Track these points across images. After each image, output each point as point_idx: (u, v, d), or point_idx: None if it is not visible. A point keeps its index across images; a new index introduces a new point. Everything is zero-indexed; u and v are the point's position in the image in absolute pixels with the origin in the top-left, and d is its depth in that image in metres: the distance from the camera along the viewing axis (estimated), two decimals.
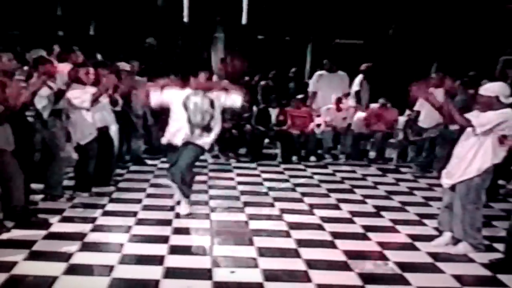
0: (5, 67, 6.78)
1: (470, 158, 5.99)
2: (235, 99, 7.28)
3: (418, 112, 10.55)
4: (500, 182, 8.62)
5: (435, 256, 5.99)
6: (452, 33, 14.27)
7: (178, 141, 7.15)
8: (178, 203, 7.35)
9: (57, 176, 7.50)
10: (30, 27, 14.50)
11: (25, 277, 5.09)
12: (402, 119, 11.51)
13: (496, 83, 6.28)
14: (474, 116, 6.02)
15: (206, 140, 7.22)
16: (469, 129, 6.04)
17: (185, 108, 7.09)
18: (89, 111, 7.60)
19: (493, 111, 5.91)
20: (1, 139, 6.10)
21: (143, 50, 15.47)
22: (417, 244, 6.37)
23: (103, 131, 7.93)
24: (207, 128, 7.16)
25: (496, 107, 5.93)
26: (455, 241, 6.26)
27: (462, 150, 6.09)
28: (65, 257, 5.56)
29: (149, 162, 10.22)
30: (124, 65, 9.57)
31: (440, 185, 6.68)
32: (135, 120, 9.88)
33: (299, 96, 11.88)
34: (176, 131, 7.18)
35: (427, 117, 10.19)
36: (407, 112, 11.34)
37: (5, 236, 6.06)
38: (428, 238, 6.48)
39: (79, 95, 7.50)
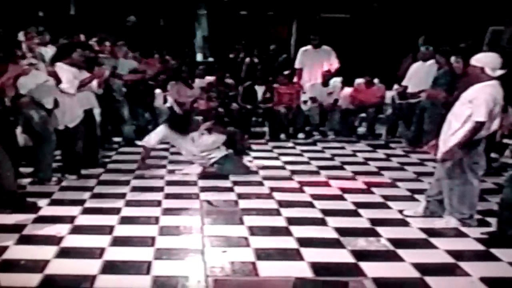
0: None
1: (450, 133, 5.98)
2: None
3: (406, 87, 10.54)
4: (493, 155, 8.58)
5: (428, 231, 5.98)
6: (439, 4, 14.21)
7: None
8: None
9: (47, 160, 7.42)
10: (10, 8, 14.27)
11: (17, 261, 5.05)
12: (390, 94, 11.46)
13: (486, 53, 6.10)
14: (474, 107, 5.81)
15: None
16: (458, 103, 5.98)
17: None
18: (75, 95, 7.54)
19: (483, 93, 5.77)
20: None
21: (126, 29, 15.30)
22: (409, 220, 6.35)
23: (87, 112, 7.84)
24: None
25: (484, 79, 5.81)
26: (429, 212, 6.34)
27: (446, 124, 6.07)
28: (55, 240, 5.52)
29: (138, 143, 10.11)
30: (93, 44, 9.46)
31: (431, 160, 6.66)
32: (117, 97, 9.77)
33: (285, 72, 11.78)
34: None
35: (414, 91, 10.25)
36: (395, 86, 11.29)
37: None
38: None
39: (68, 81, 7.43)
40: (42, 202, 6.62)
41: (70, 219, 6.13)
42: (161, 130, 8.17)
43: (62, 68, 7.48)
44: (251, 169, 8.40)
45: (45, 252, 5.22)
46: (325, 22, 16.59)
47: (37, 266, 4.93)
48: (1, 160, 6.16)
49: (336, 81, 11.81)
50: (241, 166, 8.35)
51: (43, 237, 5.62)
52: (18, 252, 5.26)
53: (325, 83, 11.39)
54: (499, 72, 5.86)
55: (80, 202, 6.72)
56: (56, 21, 14.59)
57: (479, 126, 5.81)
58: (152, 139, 8.16)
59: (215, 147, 8.16)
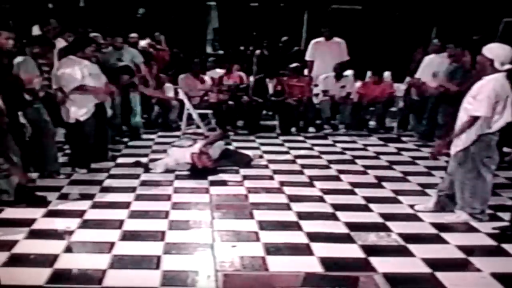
0: (3, 45, 6.65)
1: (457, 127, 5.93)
2: None
3: (418, 80, 10.46)
4: (505, 149, 8.47)
5: (438, 226, 5.94)
6: None
7: None
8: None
9: (51, 151, 7.39)
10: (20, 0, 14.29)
11: (27, 255, 5.05)
12: (402, 87, 11.38)
13: (500, 45, 5.91)
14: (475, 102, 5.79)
15: None
16: (466, 96, 5.93)
17: None
18: None
19: (487, 88, 5.71)
20: None
21: (136, 21, 15.32)
22: (420, 214, 6.31)
23: (98, 106, 7.83)
24: None
25: (490, 72, 5.75)
26: (440, 207, 6.28)
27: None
28: (65, 234, 5.53)
29: (146, 136, 10.13)
30: (96, 36, 9.44)
31: (443, 154, 6.59)
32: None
33: (293, 65, 11.66)
34: None
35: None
36: (407, 79, 11.20)
37: (4, 214, 6.02)
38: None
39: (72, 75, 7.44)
40: (52, 196, 6.61)
41: (80, 213, 6.13)
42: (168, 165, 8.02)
43: (73, 61, 7.47)
44: (252, 157, 8.46)
45: (55, 246, 5.23)
46: (336, 13, 16.48)
47: (46, 260, 4.93)
48: (11, 154, 6.16)
49: (349, 74, 11.73)
50: (242, 154, 8.47)
51: (53, 231, 5.63)
52: (28, 246, 5.27)
53: (338, 76, 11.29)
54: (507, 67, 5.78)
55: (90, 196, 6.72)
56: (66, 13, 14.57)
57: (473, 120, 5.79)
58: (161, 168, 7.99)
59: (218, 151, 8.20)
